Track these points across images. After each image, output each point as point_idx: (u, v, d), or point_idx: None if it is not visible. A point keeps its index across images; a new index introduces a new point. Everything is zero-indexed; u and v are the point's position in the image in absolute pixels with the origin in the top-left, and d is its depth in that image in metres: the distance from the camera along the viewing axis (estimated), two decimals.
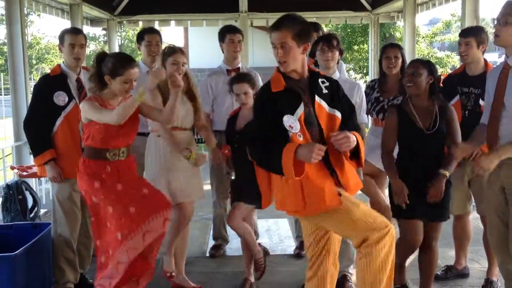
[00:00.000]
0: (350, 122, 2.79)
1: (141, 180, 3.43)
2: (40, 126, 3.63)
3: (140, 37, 4.39)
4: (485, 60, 3.75)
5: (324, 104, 2.69)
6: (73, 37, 3.68)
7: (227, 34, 4.41)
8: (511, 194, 2.92)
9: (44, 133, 3.61)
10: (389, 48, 4.03)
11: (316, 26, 4.59)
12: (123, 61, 3.14)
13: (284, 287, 3.92)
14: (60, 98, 3.61)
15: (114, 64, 3.09)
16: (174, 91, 3.24)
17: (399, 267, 3.42)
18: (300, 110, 2.62)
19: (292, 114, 2.60)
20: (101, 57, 3.19)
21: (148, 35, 4.37)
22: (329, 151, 2.61)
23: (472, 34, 3.67)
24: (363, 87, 3.99)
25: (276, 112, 2.62)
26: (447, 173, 3.24)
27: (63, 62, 3.79)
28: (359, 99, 3.69)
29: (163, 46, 3.93)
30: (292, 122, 2.59)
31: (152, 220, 3.13)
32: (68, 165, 3.56)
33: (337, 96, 2.78)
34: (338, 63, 3.79)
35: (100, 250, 3.29)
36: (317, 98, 2.67)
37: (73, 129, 3.61)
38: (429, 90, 3.31)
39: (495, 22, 2.86)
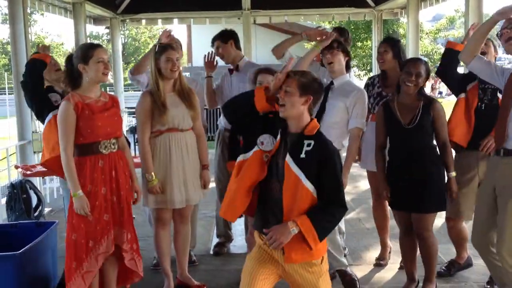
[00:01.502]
0: (318, 207, 2.46)
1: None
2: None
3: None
4: None
5: (296, 169, 2.44)
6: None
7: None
8: (500, 194, 3.07)
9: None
10: (380, 44, 4.10)
11: (343, 32, 4.37)
12: (90, 44, 3.24)
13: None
14: (52, 99, 3.70)
15: (82, 50, 3.13)
16: None
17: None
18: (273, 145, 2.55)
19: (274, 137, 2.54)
20: (69, 56, 3.24)
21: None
22: (284, 213, 2.45)
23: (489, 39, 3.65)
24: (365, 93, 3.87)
25: (258, 119, 2.61)
26: (454, 173, 3.42)
27: None
28: (352, 104, 3.57)
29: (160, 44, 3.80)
30: (267, 141, 2.52)
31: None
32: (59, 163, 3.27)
33: (324, 165, 2.44)
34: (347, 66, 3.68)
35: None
36: (288, 159, 2.47)
37: None
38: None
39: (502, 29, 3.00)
